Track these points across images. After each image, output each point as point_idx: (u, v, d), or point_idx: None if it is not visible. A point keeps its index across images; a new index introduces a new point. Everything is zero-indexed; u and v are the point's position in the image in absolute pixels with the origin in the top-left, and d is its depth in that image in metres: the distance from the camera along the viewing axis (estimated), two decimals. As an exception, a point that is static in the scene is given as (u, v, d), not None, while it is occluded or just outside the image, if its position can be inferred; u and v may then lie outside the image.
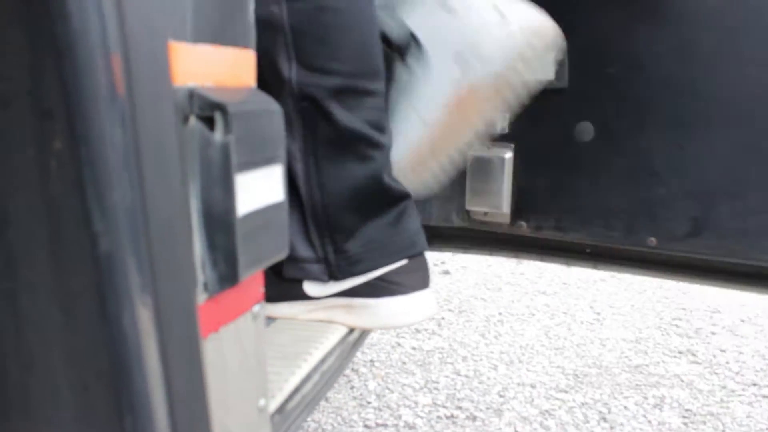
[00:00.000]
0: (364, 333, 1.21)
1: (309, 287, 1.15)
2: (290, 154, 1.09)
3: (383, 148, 1.12)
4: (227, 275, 0.54)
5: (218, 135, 0.51)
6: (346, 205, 1.11)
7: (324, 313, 1.16)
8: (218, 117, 0.51)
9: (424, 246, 1.18)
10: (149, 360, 0.47)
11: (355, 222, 1.12)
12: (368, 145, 1.10)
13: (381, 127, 1.12)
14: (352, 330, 1.15)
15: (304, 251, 1.13)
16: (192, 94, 0.50)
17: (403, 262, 1.14)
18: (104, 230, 0.43)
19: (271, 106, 0.59)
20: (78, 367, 0.47)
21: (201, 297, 0.54)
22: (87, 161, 0.42)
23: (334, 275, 1.13)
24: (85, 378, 0.47)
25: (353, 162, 1.09)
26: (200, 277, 0.53)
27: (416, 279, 1.16)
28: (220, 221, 0.53)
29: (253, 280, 0.62)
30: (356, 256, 1.12)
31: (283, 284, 1.15)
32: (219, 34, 0.54)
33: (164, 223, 0.47)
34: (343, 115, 1.06)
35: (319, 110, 1.05)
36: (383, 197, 1.13)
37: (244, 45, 0.58)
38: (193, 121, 0.51)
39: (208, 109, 0.51)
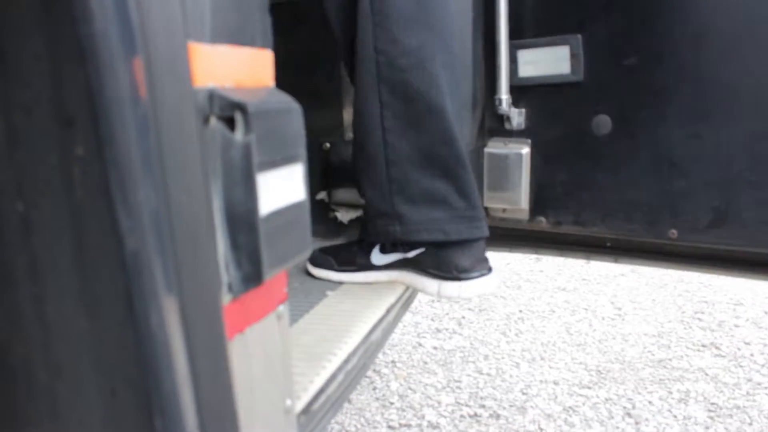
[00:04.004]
0: (387, 330, 1.21)
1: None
2: None
3: None
4: (251, 275, 0.54)
5: (239, 135, 0.51)
6: None
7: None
8: (238, 117, 0.51)
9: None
10: (177, 362, 0.47)
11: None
12: None
13: None
14: (374, 329, 1.15)
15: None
16: (212, 95, 0.50)
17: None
18: (130, 231, 0.43)
19: (291, 105, 0.59)
20: (106, 371, 0.47)
21: (226, 298, 0.54)
22: (112, 164, 0.42)
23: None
24: (114, 381, 0.47)
25: None
26: (224, 278, 0.53)
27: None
28: (243, 221, 0.53)
29: (277, 281, 0.62)
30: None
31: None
32: (237, 34, 0.54)
33: (188, 223, 0.47)
34: None
35: None
36: None
37: (262, 45, 0.58)
38: (213, 121, 0.51)
39: (228, 110, 0.51)
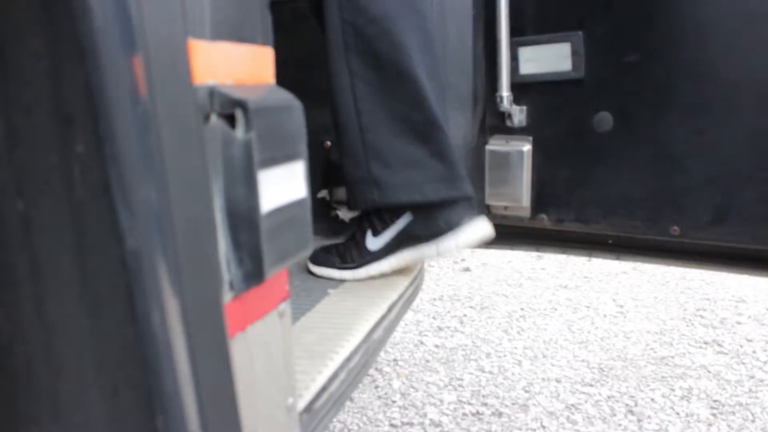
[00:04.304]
0: (389, 328, 1.21)
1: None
2: None
3: None
4: (253, 273, 0.54)
5: (240, 132, 0.51)
6: None
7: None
8: (239, 114, 0.50)
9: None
10: (178, 361, 0.47)
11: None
12: None
13: None
14: (376, 327, 1.15)
15: None
16: (212, 92, 0.50)
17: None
18: (131, 229, 0.43)
19: (291, 102, 0.58)
20: (107, 370, 0.47)
21: (227, 296, 0.53)
22: (112, 162, 0.42)
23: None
24: (115, 380, 0.47)
25: None
26: (226, 276, 0.53)
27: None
28: (244, 219, 0.52)
29: (278, 278, 0.62)
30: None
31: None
32: (237, 31, 0.54)
33: (189, 221, 0.47)
34: None
35: None
36: None
37: (262, 42, 0.58)
38: (214, 119, 0.51)
39: (228, 107, 0.50)
